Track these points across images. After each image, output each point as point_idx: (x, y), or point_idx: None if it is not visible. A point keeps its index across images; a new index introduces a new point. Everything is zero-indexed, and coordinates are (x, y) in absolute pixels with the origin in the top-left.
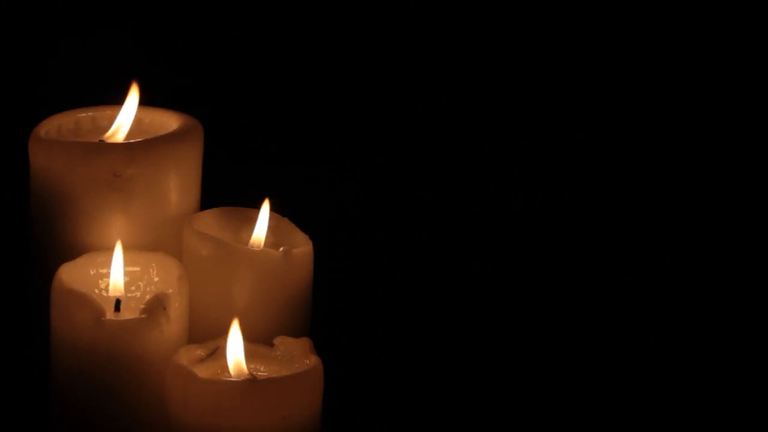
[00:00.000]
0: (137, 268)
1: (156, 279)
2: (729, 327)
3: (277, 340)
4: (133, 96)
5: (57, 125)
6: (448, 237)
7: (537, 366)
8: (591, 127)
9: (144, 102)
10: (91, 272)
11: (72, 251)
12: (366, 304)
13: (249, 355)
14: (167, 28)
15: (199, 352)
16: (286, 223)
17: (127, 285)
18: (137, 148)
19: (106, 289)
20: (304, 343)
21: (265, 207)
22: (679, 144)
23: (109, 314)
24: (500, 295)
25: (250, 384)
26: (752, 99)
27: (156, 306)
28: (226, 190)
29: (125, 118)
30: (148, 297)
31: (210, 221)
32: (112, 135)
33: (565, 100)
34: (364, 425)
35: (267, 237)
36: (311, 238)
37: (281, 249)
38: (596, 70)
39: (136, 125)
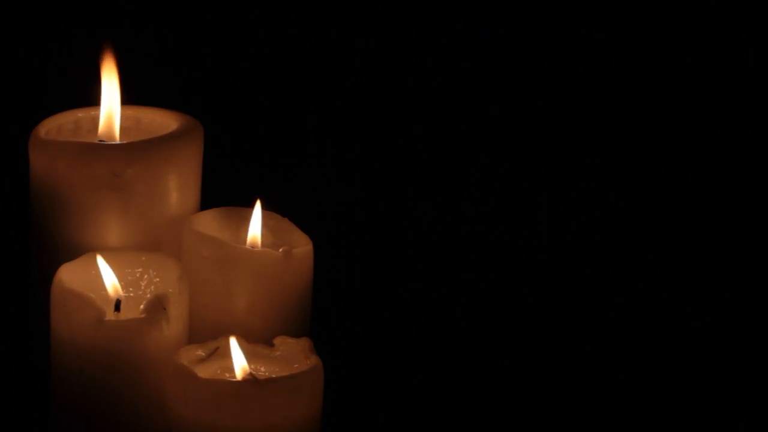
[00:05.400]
0: (137, 269)
1: (156, 279)
2: (729, 327)
3: (277, 340)
4: (110, 82)
5: (57, 125)
6: (449, 237)
7: (537, 367)
8: (590, 130)
9: (140, 99)
10: (91, 272)
11: (72, 251)
12: (366, 304)
13: (249, 356)
14: (167, 28)
15: (199, 352)
16: (286, 223)
17: (127, 285)
18: (137, 148)
19: (106, 289)
20: (304, 343)
21: (257, 207)
22: (678, 145)
23: (110, 314)
24: (501, 295)
25: (250, 384)
26: (752, 100)
27: (156, 306)
28: (226, 190)
29: (110, 110)
30: (148, 297)
31: (210, 221)
32: (106, 131)
33: (564, 100)
34: (364, 425)
35: (267, 237)
36: (311, 238)
37: (281, 249)
38: (596, 71)
39: (136, 125)
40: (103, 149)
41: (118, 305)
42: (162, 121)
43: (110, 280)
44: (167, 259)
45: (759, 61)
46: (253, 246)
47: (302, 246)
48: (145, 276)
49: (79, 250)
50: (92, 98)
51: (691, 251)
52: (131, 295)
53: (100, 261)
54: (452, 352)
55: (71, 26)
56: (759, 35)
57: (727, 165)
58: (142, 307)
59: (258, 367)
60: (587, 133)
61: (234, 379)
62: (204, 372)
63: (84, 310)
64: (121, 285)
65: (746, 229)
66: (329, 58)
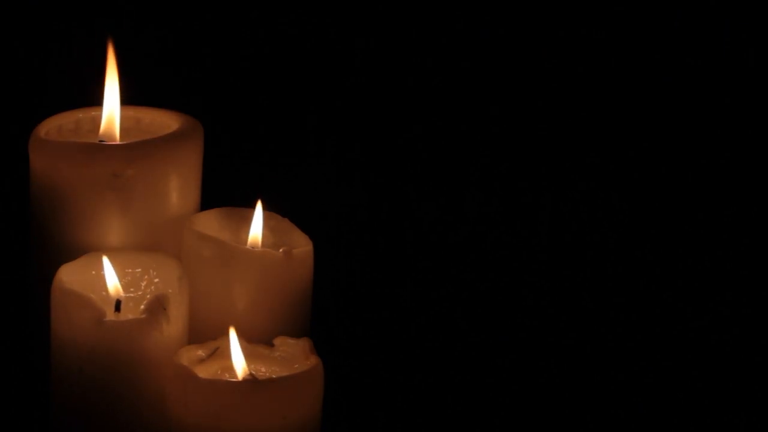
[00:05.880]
0: (137, 269)
1: (156, 279)
2: (729, 327)
3: (277, 341)
4: (112, 84)
5: (57, 125)
6: (449, 237)
7: (537, 367)
8: (590, 130)
9: (140, 99)
10: (92, 272)
11: (72, 251)
12: (366, 304)
13: (249, 356)
14: (167, 28)
15: (199, 352)
16: (286, 224)
17: (127, 286)
18: (137, 148)
19: (107, 289)
20: (304, 343)
21: (259, 207)
22: (678, 145)
23: (110, 315)
24: (501, 295)
25: (250, 384)
26: (752, 100)
27: (156, 306)
28: (226, 190)
29: (111, 110)
30: (148, 297)
31: (210, 221)
32: (106, 131)
33: (564, 100)
34: (364, 425)
35: (267, 237)
36: (311, 238)
37: (281, 249)
38: (596, 71)
39: (136, 125)
40: (104, 149)
41: (118, 305)
42: (162, 121)
43: (112, 281)
44: (167, 259)
45: (759, 61)
46: (253, 246)
47: (302, 246)
48: (145, 276)
49: (79, 250)
50: (92, 98)
51: (691, 251)
52: (131, 295)
53: (106, 261)
54: (452, 352)
55: (71, 26)
56: (759, 35)
57: (727, 165)
58: (142, 307)
59: (258, 367)
60: (587, 133)
61: (234, 380)
62: (204, 372)
63: (84, 311)
64: (121, 285)
65: (746, 229)
66: (329, 58)
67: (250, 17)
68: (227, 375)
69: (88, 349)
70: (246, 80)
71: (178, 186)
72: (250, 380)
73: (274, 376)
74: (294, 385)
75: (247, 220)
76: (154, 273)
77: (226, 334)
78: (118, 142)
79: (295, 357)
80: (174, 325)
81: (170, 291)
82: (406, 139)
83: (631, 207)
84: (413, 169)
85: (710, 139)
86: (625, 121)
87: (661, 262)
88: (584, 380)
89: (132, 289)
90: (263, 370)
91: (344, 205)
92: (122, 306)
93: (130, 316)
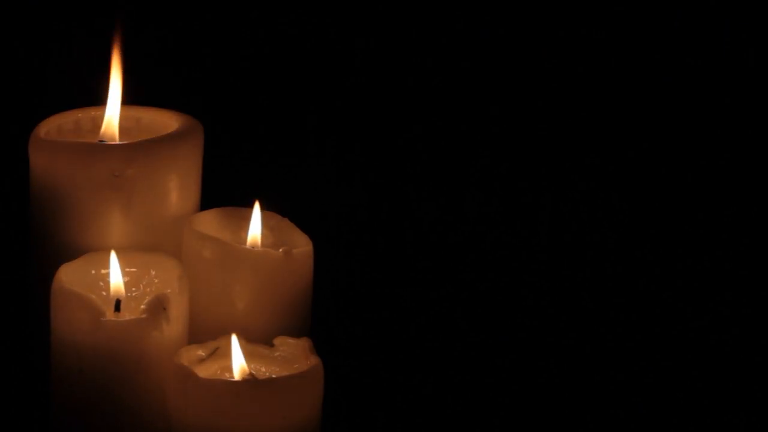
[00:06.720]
0: (137, 269)
1: (156, 279)
2: (729, 327)
3: (277, 341)
4: (115, 85)
5: (57, 125)
6: (449, 237)
7: (537, 367)
8: (590, 130)
9: (140, 99)
10: (91, 272)
11: (72, 251)
12: (366, 304)
13: (249, 356)
14: (167, 28)
15: (200, 352)
16: (286, 224)
17: (127, 285)
18: (137, 148)
19: (107, 289)
20: (304, 343)
21: (257, 208)
22: (678, 145)
23: (109, 315)
24: (501, 295)
25: (250, 384)
26: (752, 100)
27: (156, 306)
28: (226, 190)
29: (112, 110)
30: (148, 297)
31: (210, 221)
32: (106, 131)
33: (564, 100)
34: (364, 425)
35: (267, 237)
36: (311, 238)
37: (281, 249)
38: (596, 71)
39: (136, 125)
40: (103, 149)
41: (118, 305)
42: (162, 121)
43: (116, 279)
44: (167, 259)
45: (759, 61)
46: (253, 246)
47: (302, 246)
48: (145, 276)
49: (79, 250)
50: (92, 98)
51: (691, 251)
52: (131, 295)
53: (113, 258)
54: (452, 352)
55: (71, 26)
56: (759, 35)
57: (727, 165)
58: (142, 307)
59: (258, 367)
60: (587, 133)
61: (234, 379)
62: (204, 372)
63: (84, 311)
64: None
65: (746, 229)
66: (329, 58)
67: (250, 17)
68: (227, 375)
69: (88, 350)
70: (246, 80)
71: (178, 186)
72: (250, 380)
73: (274, 376)
74: (294, 385)
75: (247, 220)
76: (154, 273)
77: (227, 334)
78: (118, 142)
79: (295, 357)
80: (174, 325)
81: (170, 291)
82: (406, 139)
83: (631, 207)
84: (413, 169)
85: (710, 139)
86: (625, 122)
87: (661, 262)
88: (584, 380)
89: (132, 289)
90: (263, 370)
91: (344, 205)
92: (122, 306)
93: (130, 316)
